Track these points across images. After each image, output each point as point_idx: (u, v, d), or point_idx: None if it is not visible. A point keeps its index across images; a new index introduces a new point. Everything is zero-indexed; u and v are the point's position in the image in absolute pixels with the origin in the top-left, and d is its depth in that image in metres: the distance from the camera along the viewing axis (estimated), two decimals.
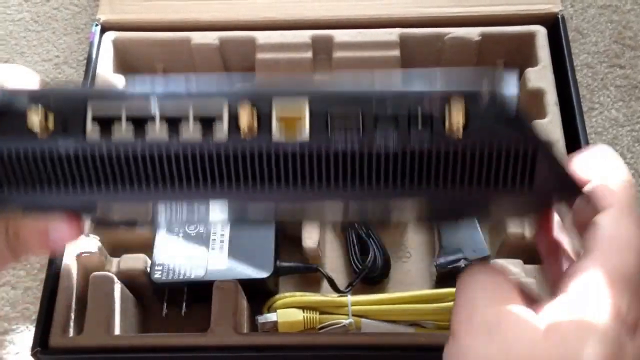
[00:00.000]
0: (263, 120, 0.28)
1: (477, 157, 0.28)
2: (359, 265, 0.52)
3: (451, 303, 0.47)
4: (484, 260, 0.50)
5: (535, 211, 0.33)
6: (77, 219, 0.32)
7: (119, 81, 0.56)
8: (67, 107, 0.28)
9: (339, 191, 0.29)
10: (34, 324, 0.47)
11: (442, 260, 0.50)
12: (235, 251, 0.50)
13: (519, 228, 0.50)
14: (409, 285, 0.52)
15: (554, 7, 0.58)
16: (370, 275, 0.51)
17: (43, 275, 0.49)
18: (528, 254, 0.51)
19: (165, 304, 0.49)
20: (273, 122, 0.28)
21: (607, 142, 0.60)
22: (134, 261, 0.49)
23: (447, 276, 0.50)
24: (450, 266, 0.49)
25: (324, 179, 0.29)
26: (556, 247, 0.31)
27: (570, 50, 0.57)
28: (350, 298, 0.49)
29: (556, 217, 0.31)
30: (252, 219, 0.33)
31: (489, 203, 0.31)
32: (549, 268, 0.31)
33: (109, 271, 0.49)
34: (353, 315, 0.48)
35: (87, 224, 0.50)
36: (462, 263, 0.49)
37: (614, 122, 0.61)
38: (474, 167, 0.29)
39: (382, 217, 0.32)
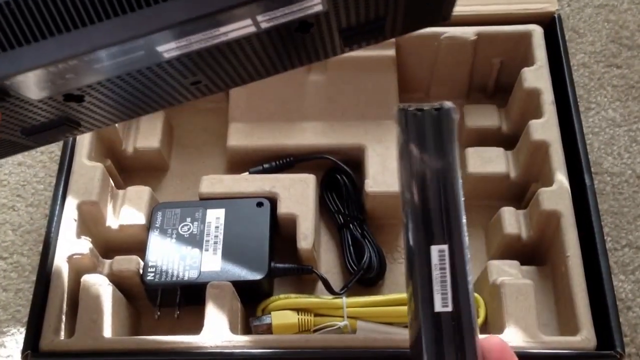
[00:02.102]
0: None
1: None
2: (354, 267, 0.51)
3: None
4: None
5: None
6: None
7: None
8: None
9: None
10: (26, 327, 0.46)
11: None
12: (229, 253, 0.49)
13: (516, 229, 0.50)
14: (405, 287, 0.52)
15: (551, 7, 0.58)
16: (366, 276, 0.51)
17: (35, 278, 0.48)
18: (524, 255, 0.50)
19: (158, 306, 0.49)
20: None
21: (604, 142, 0.60)
22: (126, 263, 0.49)
23: None
24: None
25: None
26: None
27: (566, 50, 0.56)
28: (345, 300, 0.48)
29: None
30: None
31: None
32: None
33: (100, 273, 0.49)
34: (348, 317, 0.48)
35: (76, 225, 0.49)
36: None
37: (611, 122, 0.61)
38: None
39: None
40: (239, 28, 0.32)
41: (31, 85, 0.31)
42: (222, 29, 0.31)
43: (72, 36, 0.29)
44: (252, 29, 0.32)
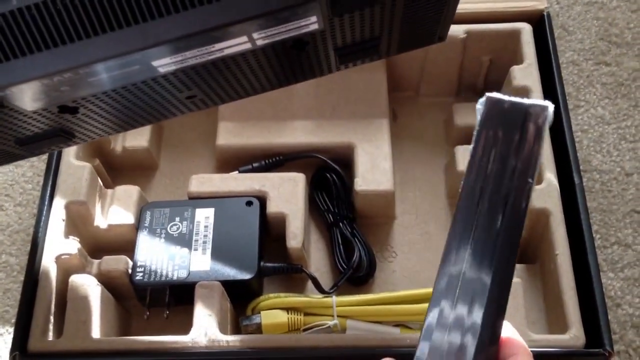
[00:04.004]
0: None
1: None
2: (344, 266, 0.51)
3: None
4: None
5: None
6: None
7: None
8: None
9: None
10: (14, 327, 0.46)
11: None
12: (218, 252, 0.49)
13: None
14: (395, 286, 0.52)
15: (540, 4, 0.58)
16: (356, 275, 0.51)
17: (23, 278, 0.48)
18: None
19: (147, 307, 0.49)
20: None
21: (593, 139, 0.60)
22: (115, 263, 0.48)
23: None
24: None
25: None
26: None
27: (555, 48, 0.56)
28: (335, 299, 0.48)
29: None
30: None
31: None
32: None
33: (89, 273, 0.48)
34: (338, 316, 0.48)
35: (64, 225, 0.49)
36: None
37: (600, 119, 0.61)
38: None
39: None
40: (235, 45, 0.32)
41: (25, 96, 0.31)
42: (218, 45, 0.31)
43: (67, 49, 0.29)
44: (248, 46, 0.32)
